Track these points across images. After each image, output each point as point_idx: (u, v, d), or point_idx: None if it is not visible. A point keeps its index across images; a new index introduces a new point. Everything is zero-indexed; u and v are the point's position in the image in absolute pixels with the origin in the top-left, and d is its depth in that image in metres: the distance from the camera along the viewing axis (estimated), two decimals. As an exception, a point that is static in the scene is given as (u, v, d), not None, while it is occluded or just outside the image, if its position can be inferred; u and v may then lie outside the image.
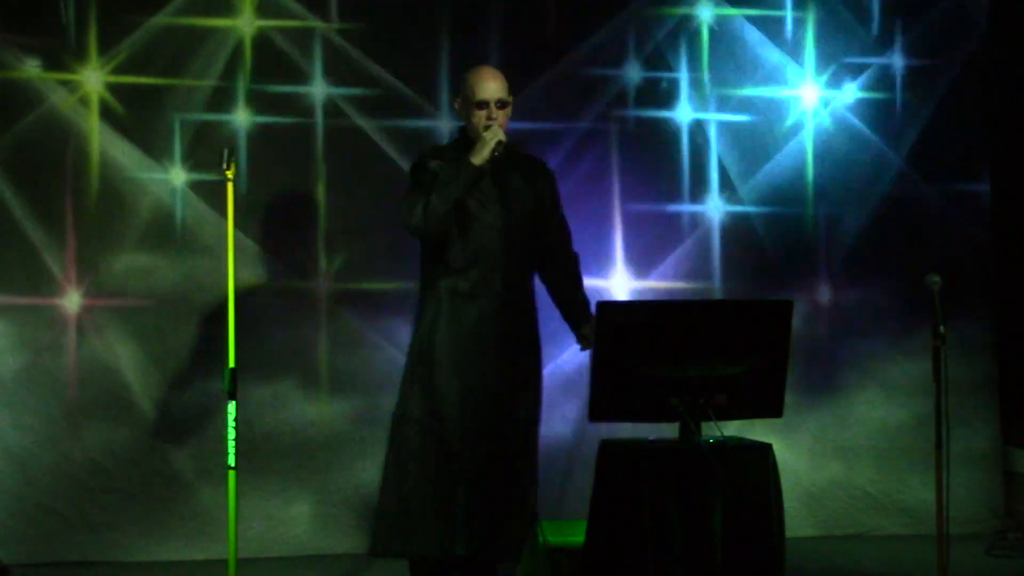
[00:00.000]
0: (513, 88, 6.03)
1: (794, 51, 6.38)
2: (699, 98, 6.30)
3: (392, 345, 5.97)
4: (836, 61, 6.41)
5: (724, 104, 6.32)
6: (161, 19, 5.84)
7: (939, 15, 6.47)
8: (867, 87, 6.43)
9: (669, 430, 4.08)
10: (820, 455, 6.32)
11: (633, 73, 6.25)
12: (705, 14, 6.31)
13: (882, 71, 6.45)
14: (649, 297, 6.15)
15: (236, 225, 4.69)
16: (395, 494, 4.66)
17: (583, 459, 5.56)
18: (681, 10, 6.29)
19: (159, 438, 5.79)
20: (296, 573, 5.65)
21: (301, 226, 5.96)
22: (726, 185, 6.32)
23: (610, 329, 3.95)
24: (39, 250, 5.73)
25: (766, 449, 4.07)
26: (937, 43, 6.46)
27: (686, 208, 6.29)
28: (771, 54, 6.36)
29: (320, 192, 5.98)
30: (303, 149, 5.97)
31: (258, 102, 5.92)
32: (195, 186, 5.85)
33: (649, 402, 4.00)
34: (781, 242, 6.35)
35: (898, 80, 6.45)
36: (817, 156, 6.38)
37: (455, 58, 6.01)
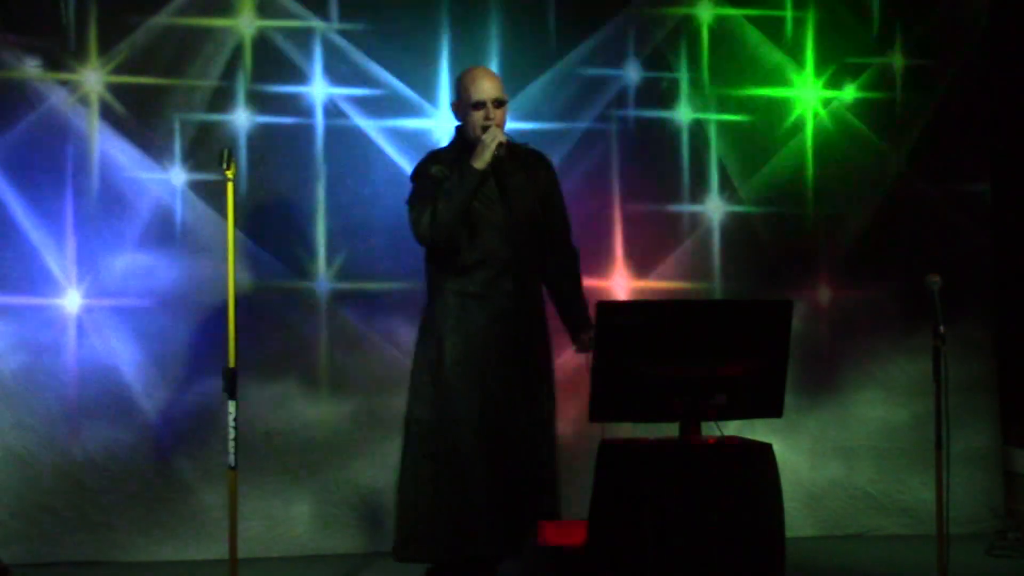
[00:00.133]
0: (513, 88, 6.07)
1: (794, 51, 6.38)
2: (699, 98, 6.30)
3: (392, 345, 5.97)
4: (836, 61, 6.41)
5: (724, 104, 6.32)
6: (161, 19, 5.84)
7: (939, 15, 6.48)
8: (867, 87, 6.43)
9: (669, 430, 4.08)
10: (820, 455, 6.32)
11: (633, 73, 6.25)
12: (705, 14, 6.31)
13: (882, 71, 6.45)
14: (649, 297, 6.15)
15: (236, 225, 4.69)
16: (415, 499, 4.63)
17: (583, 459, 5.57)
18: (681, 10, 6.29)
19: (159, 438, 5.79)
20: (296, 573, 5.64)
21: (301, 226, 5.96)
22: (726, 185, 6.32)
23: (610, 329, 3.95)
24: (39, 250, 5.73)
25: (766, 449, 4.07)
26: (937, 43, 6.46)
27: (686, 208, 6.29)
28: (771, 54, 6.36)
29: (320, 192, 5.97)
30: (303, 149, 5.97)
31: (258, 102, 5.92)
32: (195, 186, 5.85)
33: (649, 402, 4.00)
34: (781, 242, 6.35)
35: (898, 80, 6.45)
36: (817, 156, 6.38)
37: (455, 58, 6.01)
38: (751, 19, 6.35)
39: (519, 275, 4.68)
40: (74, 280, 5.75)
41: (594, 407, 3.99)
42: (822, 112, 6.40)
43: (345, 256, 5.98)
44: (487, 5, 6.11)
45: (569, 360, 5.56)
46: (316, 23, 5.97)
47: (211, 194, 5.81)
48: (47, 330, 5.73)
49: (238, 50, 5.91)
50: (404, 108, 6.02)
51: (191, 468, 5.79)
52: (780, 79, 6.37)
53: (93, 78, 5.78)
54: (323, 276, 5.96)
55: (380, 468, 5.95)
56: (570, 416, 5.62)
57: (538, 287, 4.81)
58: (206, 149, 5.80)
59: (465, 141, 4.73)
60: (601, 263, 6.15)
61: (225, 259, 4.59)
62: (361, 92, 6.00)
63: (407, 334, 5.91)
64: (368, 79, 6.01)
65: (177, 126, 5.86)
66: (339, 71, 5.99)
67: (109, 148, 5.80)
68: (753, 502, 3.99)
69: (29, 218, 5.72)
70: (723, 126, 6.32)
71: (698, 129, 6.30)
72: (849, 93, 6.42)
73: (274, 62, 5.93)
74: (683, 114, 6.29)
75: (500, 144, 4.60)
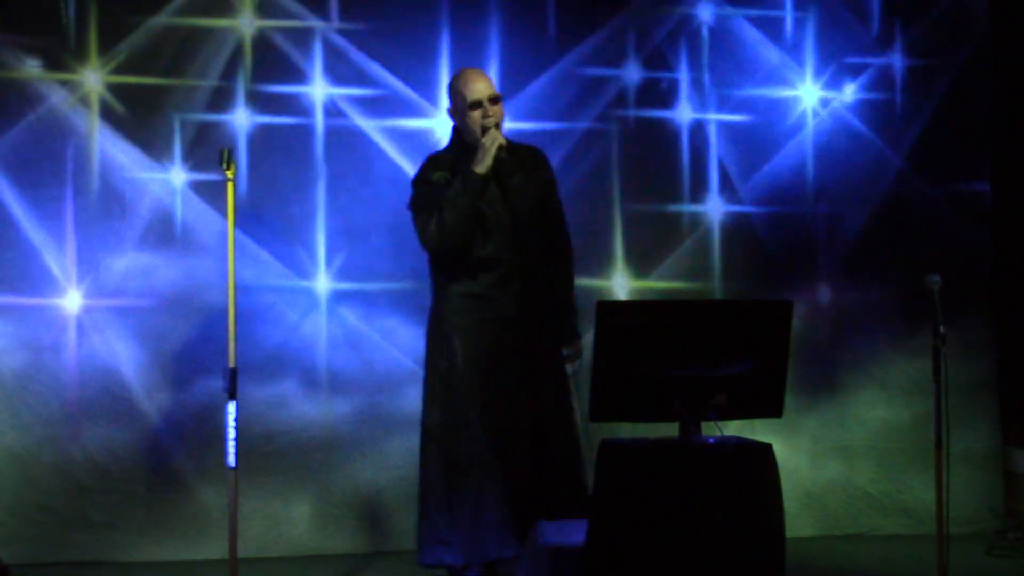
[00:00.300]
0: (513, 88, 6.08)
1: (794, 51, 6.38)
2: (699, 98, 6.30)
3: (392, 345, 5.97)
4: (836, 61, 6.41)
5: (724, 104, 6.32)
6: (161, 19, 5.84)
7: (939, 15, 6.48)
8: (867, 87, 6.44)
9: (669, 430, 4.08)
10: (820, 455, 6.32)
11: (633, 73, 6.25)
12: (705, 14, 6.31)
13: (882, 71, 6.45)
14: (649, 297, 6.15)
15: (236, 225, 4.69)
16: (434, 504, 4.61)
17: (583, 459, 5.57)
18: (681, 10, 6.30)
19: (159, 438, 5.79)
20: (296, 573, 5.64)
21: (301, 226, 5.96)
22: (726, 185, 6.32)
23: (610, 329, 3.95)
24: (39, 250, 5.73)
25: (766, 449, 4.07)
26: (937, 43, 6.46)
27: (686, 208, 6.29)
28: (771, 54, 6.36)
29: (320, 192, 5.98)
30: (303, 149, 5.97)
31: (258, 102, 5.92)
32: (195, 186, 5.85)
33: (649, 402, 4.00)
34: (781, 242, 6.35)
35: (898, 80, 6.45)
36: (817, 156, 6.38)
37: (455, 58, 6.01)
38: (751, 19, 6.35)
39: (526, 275, 4.67)
40: (74, 280, 5.75)
41: (594, 407, 3.99)
42: (822, 112, 6.40)
43: (345, 256, 5.98)
44: (487, 5, 6.11)
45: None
46: (316, 23, 5.97)
47: (211, 194, 5.81)
48: (47, 330, 5.73)
49: (238, 50, 5.91)
50: (404, 108, 6.02)
51: (191, 468, 5.79)
52: (780, 79, 6.37)
53: (93, 78, 5.78)
54: (323, 276, 5.97)
55: (380, 468, 5.95)
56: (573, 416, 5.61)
57: (543, 285, 4.78)
58: (206, 149, 5.80)
59: (464, 143, 4.71)
60: (601, 263, 6.15)
61: (225, 259, 4.59)
62: (361, 92, 6.01)
63: (407, 334, 5.92)
64: (368, 79, 6.01)
65: (177, 126, 5.86)
66: (339, 71, 5.99)
67: (109, 148, 5.80)
68: (753, 502, 3.98)
69: (29, 218, 5.72)
70: (723, 126, 6.32)
71: (698, 129, 6.30)
72: (849, 93, 6.42)
73: (274, 62, 5.94)
74: (683, 114, 6.29)
75: (500, 147, 4.59)
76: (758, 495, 4.00)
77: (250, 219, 5.86)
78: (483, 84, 4.69)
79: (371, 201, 5.98)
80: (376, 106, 6.01)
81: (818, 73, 6.40)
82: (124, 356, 5.78)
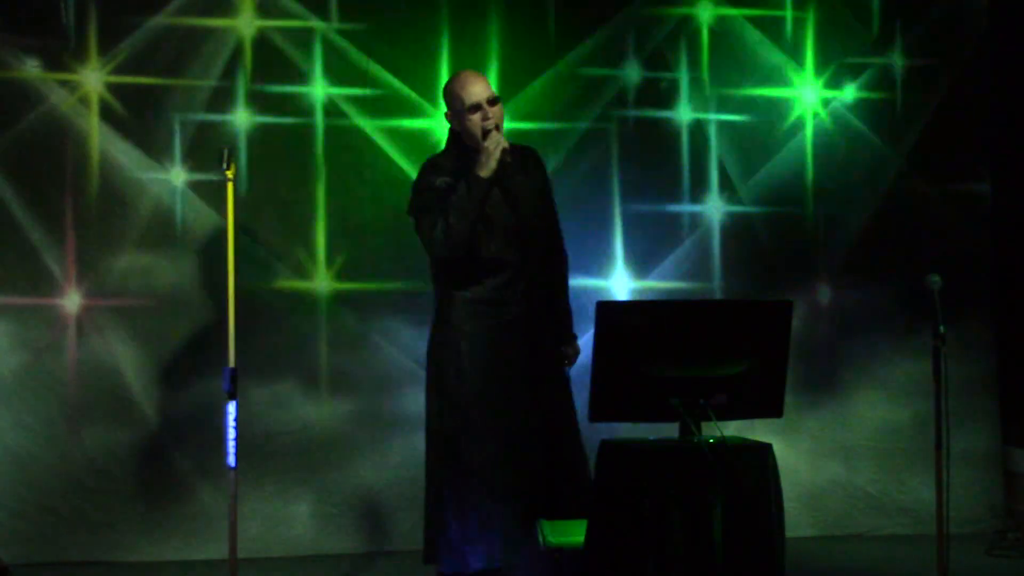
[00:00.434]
0: (513, 88, 6.08)
1: (794, 51, 6.39)
2: (699, 98, 6.30)
3: (392, 345, 5.97)
4: (836, 61, 6.41)
5: (724, 104, 6.32)
6: (161, 19, 5.84)
7: (939, 15, 6.48)
8: (867, 87, 6.44)
9: (669, 430, 4.08)
10: (820, 455, 6.32)
11: (633, 73, 6.26)
12: (705, 14, 6.31)
13: (882, 71, 6.45)
14: (649, 297, 6.15)
15: (236, 225, 4.69)
16: (441, 509, 4.58)
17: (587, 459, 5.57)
18: (681, 10, 6.29)
19: (159, 438, 5.79)
20: (296, 573, 5.65)
21: (301, 226, 5.96)
22: (726, 185, 6.32)
23: (610, 329, 3.95)
24: (39, 250, 5.73)
25: (766, 449, 4.06)
26: (937, 43, 6.46)
27: (686, 208, 6.29)
28: (771, 54, 6.37)
29: (320, 192, 5.98)
30: (303, 149, 5.97)
31: (258, 102, 5.92)
32: (195, 186, 5.85)
33: (649, 402, 4.00)
34: (781, 242, 6.35)
35: (898, 80, 6.45)
36: (817, 156, 6.39)
37: (455, 58, 6.01)
38: (751, 19, 6.35)
39: (530, 277, 4.64)
40: (74, 280, 5.75)
41: (594, 407, 3.99)
42: (822, 112, 6.40)
43: (345, 256, 5.98)
44: (487, 5, 6.11)
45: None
46: (316, 23, 5.97)
47: (211, 194, 5.81)
48: (47, 330, 5.73)
49: (238, 50, 5.91)
50: (404, 108, 6.02)
51: (191, 468, 5.79)
52: (780, 79, 6.38)
53: (93, 78, 5.78)
54: (323, 276, 5.97)
55: (380, 468, 5.95)
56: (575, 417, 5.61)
57: (544, 286, 4.75)
58: (206, 149, 5.80)
59: (464, 147, 4.66)
60: (601, 263, 6.15)
61: (225, 259, 4.59)
62: (361, 92, 6.01)
63: (407, 334, 5.92)
64: (368, 79, 6.01)
65: (177, 126, 5.86)
66: (339, 71, 5.99)
67: (109, 148, 5.80)
68: (753, 502, 3.98)
69: (29, 218, 5.72)
70: (723, 126, 6.32)
71: (698, 129, 6.31)
72: (849, 93, 6.42)
73: (274, 62, 5.94)
74: (683, 114, 6.29)
75: (504, 150, 4.55)
76: (758, 495, 4.00)
77: (250, 219, 5.86)
78: (480, 86, 4.63)
79: (371, 201, 5.98)
80: (376, 106, 6.01)
81: (818, 73, 6.40)
82: (124, 356, 5.78)
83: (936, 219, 6.43)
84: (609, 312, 3.98)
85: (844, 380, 6.36)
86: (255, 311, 5.82)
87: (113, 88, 5.80)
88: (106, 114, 5.80)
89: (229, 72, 5.89)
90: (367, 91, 6.01)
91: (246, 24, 5.92)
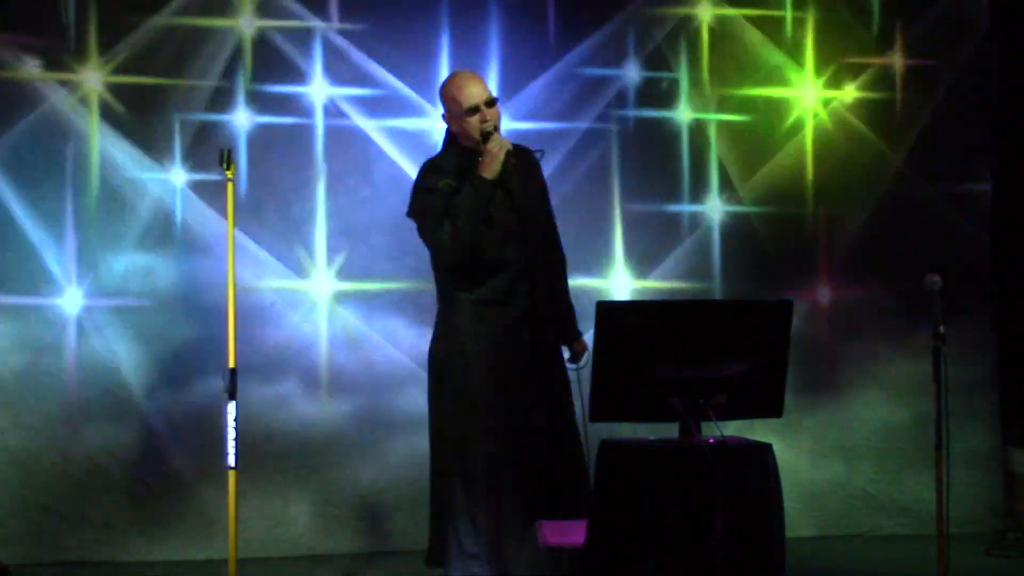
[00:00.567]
0: (513, 88, 6.08)
1: (794, 51, 6.39)
2: (699, 98, 6.30)
3: (392, 345, 5.97)
4: (836, 61, 6.41)
5: (724, 104, 6.32)
6: (161, 19, 5.84)
7: (939, 15, 6.48)
8: (867, 87, 6.43)
9: (669, 430, 4.08)
10: (820, 455, 6.32)
11: (633, 73, 6.26)
12: (705, 14, 6.31)
13: (882, 71, 6.45)
14: (649, 297, 6.15)
15: (236, 225, 4.69)
16: (465, 516, 4.55)
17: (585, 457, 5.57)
18: (681, 10, 6.30)
19: (159, 438, 5.79)
20: (296, 573, 5.65)
21: (301, 226, 5.96)
22: (726, 185, 6.32)
23: (610, 329, 3.95)
24: (39, 250, 5.73)
25: (766, 449, 4.06)
26: (937, 43, 6.46)
27: (686, 208, 6.29)
28: (771, 54, 6.37)
29: (320, 192, 5.98)
30: (303, 149, 5.97)
31: (258, 102, 5.92)
32: (195, 186, 5.85)
33: (649, 402, 4.00)
34: (781, 242, 6.35)
35: (898, 80, 6.45)
36: (817, 156, 6.38)
37: (455, 58, 6.01)
38: (751, 19, 6.35)
39: (534, 277, 4.62)
40: (74, 280, 5.75)
41: (594, 407, 3.99)
42: (822, 112, 6.40)
43: (345, 256, 5.98)
44: (487, 5, 6.11)
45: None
46: (316, 23, 5.97)
47: (211, 194, 5.81)
48: (47, 330, 5.73)
49: (238, 50, 5.91)
50: (404, 108, 6.02)
51: (191, 468, 5.79)
52: (780, 79, 6.38)
53: (93, 78, 5.78)
54: (323, 276, 5.97)
55: (380, 468, 5.95)
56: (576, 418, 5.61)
57: (546, 284, 4.73)
58: (206, 149, 5.80)
59: (462, 147, 4.64)
60: (601, 263, 6.15)
61: (225, 259, 4.59)
62: (361, 92, 6.01)
63: (407, 334, 5.92)
64: (368, 79, 6.01)
65: (177, 126, 5.86)
66: (339, 71, 5.99)
67: (109, 148, 5.80)
68: (753, 502, 3.98)
69: (29, 218, 5.72)
70: (723, 126, 6.32)
71: (698, 129, 6.31)
72: (849, 93, 6.42)
73: (274, 62, 5.94)
74: (683, 114, 6.29)
75: (508, 152, 4.52)
76: (758, 495, 4.00)
77: (250, 219, 5.86)
78: (478, 88, 4.57)
79: (371, 201, 5.97)
80: (376, 106, 6.01)
81: (818, 73, 6.40)
82: (124, 356, 5.78)
83: (936, 219, 6.43)
84: (609, 312, 3.98)
85: (844, 380, 6.37)
86: (255, 311, 5.82)
87: (113, 88, 5.80)
88: (106, 114, 5.80)
89: (229, 72, 5.89)
90: (367, 91, 6.01)
91: (246, 24, 5.92)
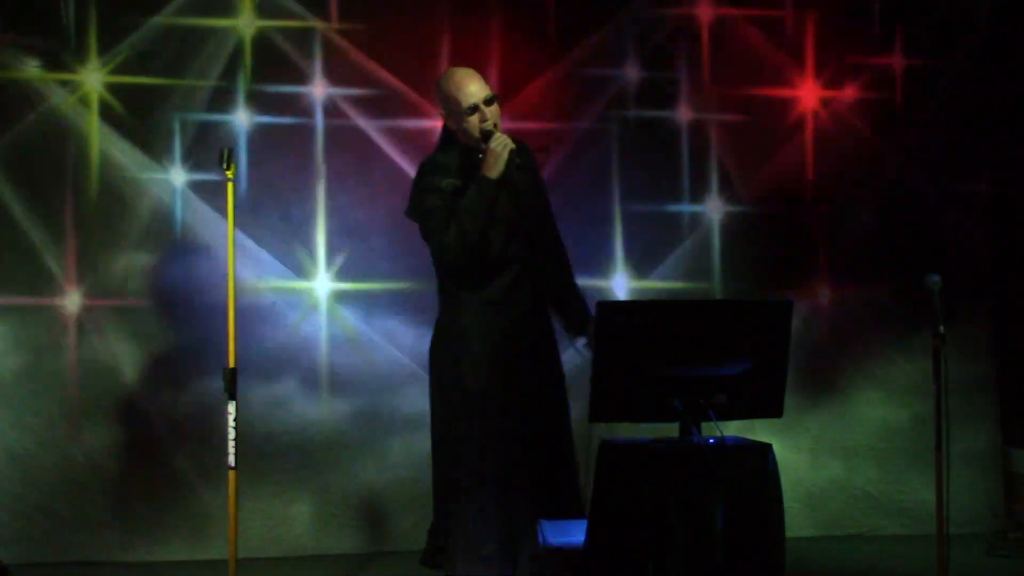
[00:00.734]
0: (513, 88, 6.08)
1: (794, 51, 6.38)
2: (699, 98, 6.30)
3: (392, 345, 5.97)
4: (836, 61, 6.41)
5: (724, 104, 6.32)
6: (161, 19, 5.84)
7: (939, 15, 6.47)
8: (867, 87, 6.43)
9: (669, 430, 4.08)
10: (820, 455, 6.32)
11: (633, 73, 6.26)
12: (705, 14, 6.31)
13: (882, 71, 6.45)
14: (649, 297, 6.15)
15: (236, 225, 4.69)
16: (475, 518, 4.52)
17: (583, 459, 5.57)
18: (681, 10, 6.29)
19: (159, 438, 5.79)
20: (296, 573, 5.65)
21: (301, 226, 5.96)
22: (726, 185, 6.32)
23: (610, 329, 3.95)
24: (39, 250, 5.73)
25: (766, 449, 4.07)
26: (937, 43, 6.46)
27: (686, 208, 6.29)
28: (771, 54, 6.36)
29: (320, 192, 5.98)
30: (303, 149, 5.97)
31: (258, 102, 5.92)
32: (195, 186, 5.85)
33: (649, 402, 4.00)
34: (781, 242, 6.35)
35: (898, 80, 6.45)
36: (817, 156, 6.38)
37: (455, 58, 6.01)
38: (751, 19, 6.35)
39: (536, 276, 4.60)
40: (74, 280, 5.75)
41: (594, 407, 3.99)
42: (822, 112, 6.40)
43: (345, 256, 5.98)
44: (487, 5, 6.11)
45: (569, 360, 5.55)
46: (316, 23, 5.97)
47: (211, 194, 5.82)
48: (47, 330, 5.73)
49: (238, 50, 5.91)
50: (404, 108, 6.02)
51: (191, 468, 5.79)
52: (780, 79, 6.37)
53: (93, 78, 5.79)
54: (323, 276, 5.97)
55: (380, 468, 5.95)
56: (570, 416, 5.61)
57: (549, 280, 4.71)
58: (206, 149, 5.80)
59: (462, 145, 4.61)
60: (601, 263, 6.15)
61: (225, 259, 4.59)
62: (361, 92, 6.01)
63: (407, 334, 5.92)
64: (368, 79, 6.01)
65: (177, 126, 5.86)
66: (339, 71, 5.99)
67: (109, 148, 5.80)
68: (753, 502, 3.98)
69: (29, 218, 5.72)
70: (723, 126, 6.32)
71: (698, 129, 6.30)
72: (849, 93, 6.42)
73: (274, 62, 5.94)
74: (683, 114, 6.29)
75: (512, 151, 4.48)
76: (758, 495, 4.00)
77: (250, 219, 5.86)
78: (476, 86, 4.51)
79: (371, 201, 5.97)
80: (376, 106, 6.01)
81: (818, 73, 6.40)
82: (124, 356, 5.78)
83: (936, 219, 6.43)
84: (609, 312, 3.98)
85: (844, 380, 6.37)
86: (255, 311, 5.82)
87: (113, 88, 5.81)
88: (106, 114, 5.80)
89: (229, 72, 5.89)
90: (367, 91, 6.01)
91: (246, 24, 5.92)
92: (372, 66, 6.01)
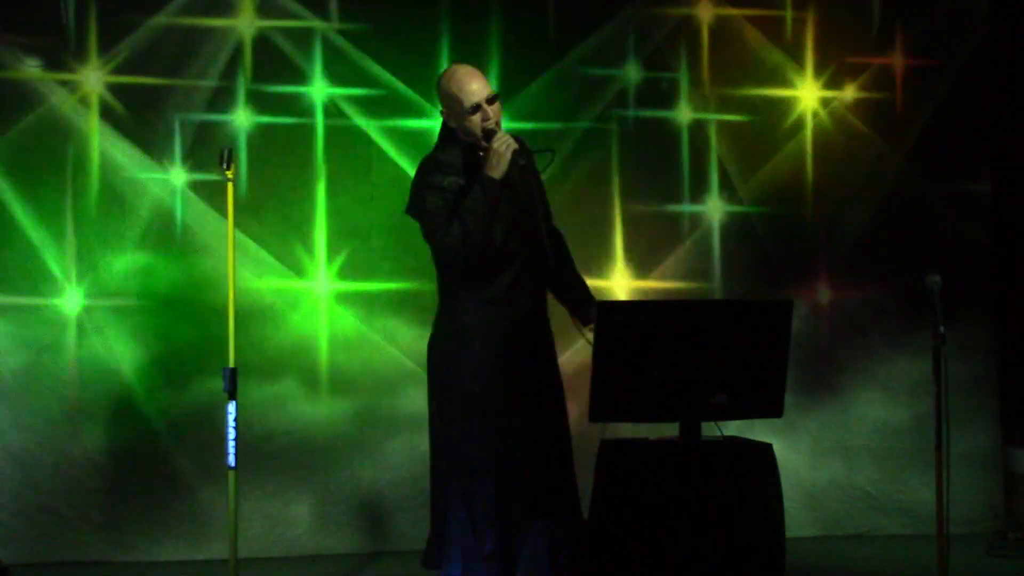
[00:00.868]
0: (513, 88, 6.08)
1: (794, 51, 6.38)
2: (699, 98, 6.30)
3: (392, 345, 5.97)
4: (836, 61, 6.41)
5: (724, 104, 6.32)
6: (161, 19, 5.84)
7: (939, 15, 6.48)
8: (867, 87, 6.43)
9: (669, 430, 4.08)
10: (820, 455, 6.32)
11: (633, 73, 6.26)
12: (705, 14, 6.31)
13: (882, 71, 6.45)
14: (649, 297, 6.15)
15: (236, 225, 4.69)
16: (480, 519, 4.50)
17: (583, 459, 5.56)
18: (681, 10, 6.29)
19: (159, 438, 5.79)
20: (296, 573, 5.64)
21: (301, 226, 5.96)
22: (726, 185, 6.32)
23: (610, 329, 3.95)
24: (39, 250, 5.73)
25: (766, 449, 4.07)
26: (937, 43, 6.46)
27: (686, 208, 6.29)
28: (771, 54, 6.36)
29: (320, 192, 5.98)
30: (303, 149, 5.97)
31: (258, 102, 5.92)
32: (195, 186, 5.85)
33: (649, 402, 4.00)
34: (781, 242, 6.35)
35: (898, 80, 6.45)
36: (817, 156, 6.38)
37: (455, 58, 6.00)
38: (751, 19, 6.35)
39: (536, 274, 4.59)
40: (74, 280, 5.75)
41: (594, 407, 3.99)
42: (822, 112, 6.40)
43: (345, 256, 5.98)
44: (487, 5, 6.11)
45: (569, 360, 5.56)
46: (316, 23, 5.97)
47: (211, 194, 5.81)
48: (47, 330, 5.73)
49: (238, 50, 5.91)
50: (404, 108, 6.02)
51: (191, 468, 5.79)
52: (780, 79, 6.37)
53: (93, 78, 5.78)
54: (323, 276, 5.97)
55: (380, 468, 5.95)
56: (570, 416, 5.62)
57: (546, 284, 4.69)
58: (206, 149, 5.80)
59: (464, 144, 4.60)
60: (601, 263, 6.15)
61: (225, 259, 4.59)
62: (361, 92, 6.01)
63: (407, 334, 5.92)
64: (368, 79, 6.01)
65: (177, 126, 5.86)
66: (339, 71, 5.99)
67: (109, 148, 5.80)
68: (753, 502, 3.99)
69: (29, 218, 5.72)
70: (723, 126, 6.32)
71: (698, 129, 6.30)
72: (849, 93, 6.42)
73: (274, 62, 5.94)
74: (683, 114, 6.29)
75: (515, 151, 4.47)
76: (758, 495, 4.00)
77: (250, 219, 5.86)
78: (478, 85, 4.47)
79: (371, 201, 5.98)
80: (376, 106, 6.01)
81: (818, 73, 6.40)
82: (124, 356, 5.78)
83: (936, 219, 6.43)
84: (609, 312, 3.99)
85: (844, 380, 6.36)
86: (255, 311, 5.82)
87: (113, 88, 5.81)
88: (106, 114, 5.80)
89: (229, 72, 5.89)
90: (367, 91, 6.01)
91: (246, 24, 5.92)
92: (372, 66, 6.01)
